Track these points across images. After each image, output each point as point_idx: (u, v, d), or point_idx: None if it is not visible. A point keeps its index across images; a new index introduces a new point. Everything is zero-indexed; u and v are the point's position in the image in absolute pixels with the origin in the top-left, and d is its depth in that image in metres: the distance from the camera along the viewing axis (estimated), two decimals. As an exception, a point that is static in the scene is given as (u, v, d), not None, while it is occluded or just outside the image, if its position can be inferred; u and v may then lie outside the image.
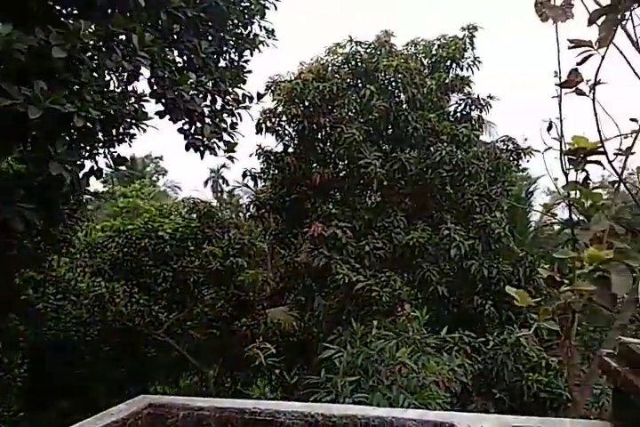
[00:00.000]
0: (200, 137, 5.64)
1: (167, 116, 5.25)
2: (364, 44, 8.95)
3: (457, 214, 8.32)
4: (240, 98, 5.98)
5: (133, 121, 4.72)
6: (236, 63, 6.18)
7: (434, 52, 9.29)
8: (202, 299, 9.41)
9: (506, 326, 6.69)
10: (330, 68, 8.85)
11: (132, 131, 5.00)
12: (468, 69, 9.34)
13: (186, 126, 5.65)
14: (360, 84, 8.69)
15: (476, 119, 8.88)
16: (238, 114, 6.00)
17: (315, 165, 8.49)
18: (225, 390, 9.32)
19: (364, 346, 4.72)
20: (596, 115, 5.08)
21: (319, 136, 8.51)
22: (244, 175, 9.05)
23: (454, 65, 9.23)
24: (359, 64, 8.71)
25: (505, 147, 9.30)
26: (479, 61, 9.31)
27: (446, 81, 8.85)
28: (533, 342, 6.52)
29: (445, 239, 7.51)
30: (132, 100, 4.72)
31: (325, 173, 7.96)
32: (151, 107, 5.02)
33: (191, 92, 5.11)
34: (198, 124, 5.65)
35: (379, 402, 3.85)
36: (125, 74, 4.77)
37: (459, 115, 8.98)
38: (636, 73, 5.43)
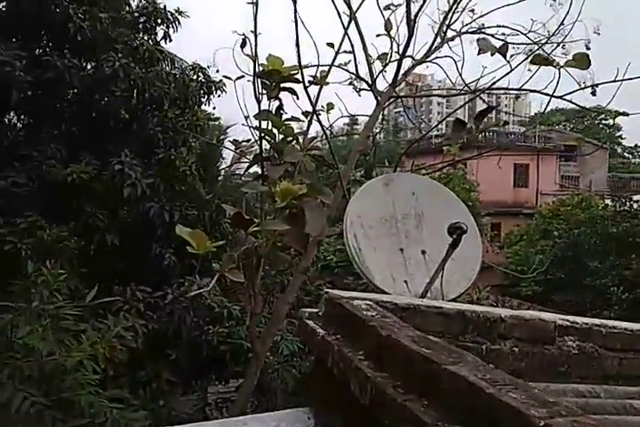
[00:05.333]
0: None
1: None
2: None
3: (135, 147, 7.02)
4: None
5: None
6: None
7: None
8: None
9: (187, 277, 5.95)
10: None
11: None
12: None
13: None
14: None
15: (163, 35, 7.59)
16: None
17: None
18: None
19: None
20: (297, 30, 4.30)
21: None
22: None
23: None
24: None
25: (195, 77, 8.36)
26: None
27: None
28: (216, 292, 6.00)
29: (118, 176, 6.17)
30: None
31: None
32: None
33: None
34: None
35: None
36: None
37: (140, 26, 7.47)
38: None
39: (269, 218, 3.40)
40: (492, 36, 6.01)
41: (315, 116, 4.35)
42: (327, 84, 4.45)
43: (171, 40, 7.64)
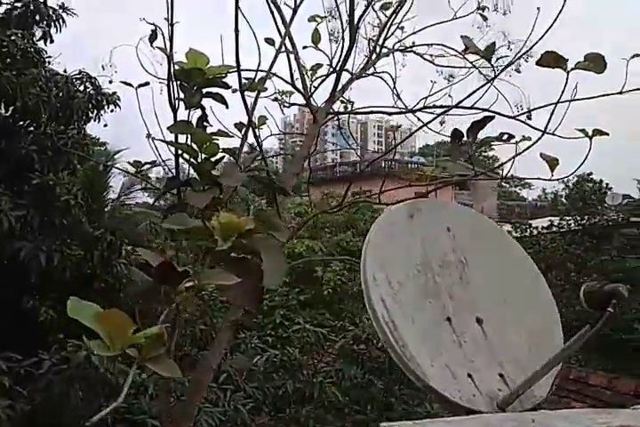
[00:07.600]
0: None
1: None
2: None
3: (3, 170, 5.65)
4: None
5: None
6: None
7: None
8: None
9: (69, 340, 4.63)
10: None
11: None
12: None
13: None
14: None
15: (43, 35, 6.33)
16: None
17: None
18: None
19: None
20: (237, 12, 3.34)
21: None
22: None
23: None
24: None
25: (82, 88, 7.14)
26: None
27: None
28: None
29: (-24, 207, 4.80)
30: None
31: None
32: None
33: None
34: None
35: None
36: None
37: (14, 22, 6.17)
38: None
39: (188, 265, 2.47)
40: (421, 56, 5.64)
41: (251, 131, 3.50)
42: (265, 89, 3.65)
43: (52, 41, 6.41)
